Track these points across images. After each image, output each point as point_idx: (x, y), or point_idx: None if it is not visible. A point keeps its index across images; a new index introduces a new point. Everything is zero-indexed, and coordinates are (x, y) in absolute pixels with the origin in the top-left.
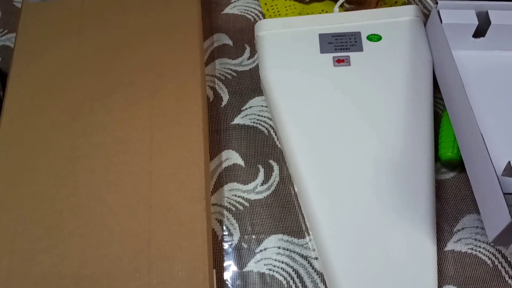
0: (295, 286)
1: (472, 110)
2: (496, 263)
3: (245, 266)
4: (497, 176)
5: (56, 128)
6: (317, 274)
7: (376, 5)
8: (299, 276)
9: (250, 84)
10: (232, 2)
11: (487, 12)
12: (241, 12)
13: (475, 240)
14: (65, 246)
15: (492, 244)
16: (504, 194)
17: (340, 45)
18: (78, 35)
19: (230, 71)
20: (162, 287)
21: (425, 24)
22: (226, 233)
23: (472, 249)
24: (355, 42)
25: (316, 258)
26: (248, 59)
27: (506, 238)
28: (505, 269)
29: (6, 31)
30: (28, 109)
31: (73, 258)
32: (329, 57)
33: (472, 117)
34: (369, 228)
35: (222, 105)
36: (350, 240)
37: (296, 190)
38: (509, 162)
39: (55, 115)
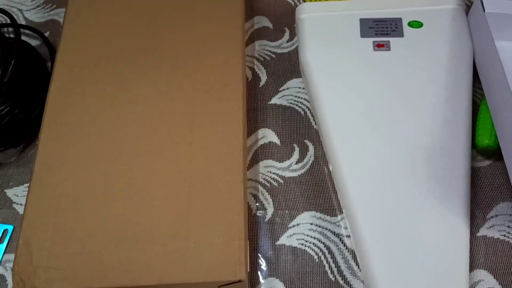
0: (326, 261)
1: (511, 89)
2: None
3: (278, 240)
4: None
5: (102, 98)
6: (348, 252)
7: None
8: (330, 252)
9: (289, 66)
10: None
11: None
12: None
13: (508, 227)
14: (108, 208)
15: None
16: None
17: (381, 30)
18: (125, 11)
19: (269, 53)
20: (199, 252)
21: (467, 14)
22: (260, 207)
23: (504, 235)
24: (396, 27)
25: (348, 236)
26: (287, 41)
27: None
28: None
29: (55, 6)
30: (76, 79)
31: (115, 219)
32: (369, 41)
33: (509, 99)
34: (402, 210)
35: (260, 85)
36: (383, 220)
37: (330, 169)
38: None
39: (102, 85)
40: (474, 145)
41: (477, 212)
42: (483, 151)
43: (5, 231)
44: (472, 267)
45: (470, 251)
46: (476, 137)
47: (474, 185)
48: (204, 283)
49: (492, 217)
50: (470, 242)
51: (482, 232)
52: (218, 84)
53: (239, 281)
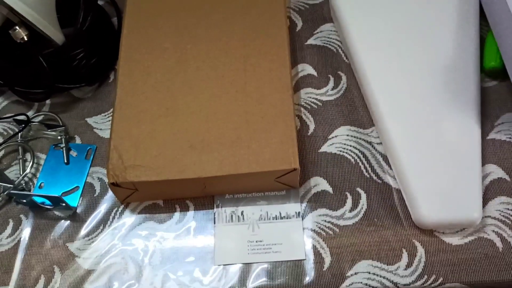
0: (361, 163)
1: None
2: None
3: (320, 148)
4: None
5: (169, 37)
6: (380, 155)
7: None
8: (364, 156)
9: (320, 14)
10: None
11: None
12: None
13: None
14: (180, 122)
15: None
16: None
17: None
18: None
19: (303, 3)
20: (260, 150)
21: None
22: (303, 124)
23: (509, 138)
24: None
25: (379, 144)
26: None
27: None
28: None
29: None
30: (144, 23)
31: (187, 130)
32: None
33: (511, 23)
34: (424, 117)
35: (297, 30)
36: (409, 125)
37: (362, 91)
38: None
39: (168, 28)
40: (482, 68)
41: (486, 121)
42: (490, 73)
43: (89, 150)
44: (484, 162)
45: (481, 150)
46: (484, 61)
47: (483, 100)
48: (265, 172)
49: (499, 124)
50: (482, 144)
51: (491, 136)
52: (265, 24)
53: (294, 169)
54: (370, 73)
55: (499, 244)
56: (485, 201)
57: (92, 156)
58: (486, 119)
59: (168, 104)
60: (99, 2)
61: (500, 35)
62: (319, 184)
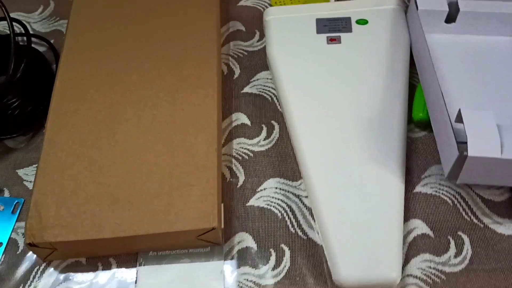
0: (288, 217)
1: (436, 73)
2: (455, 202)
3: (248, 202)
4: (451, 123)
5: (98, 89)
6: (306, 209)
7: None
8: (291, 210)
9: (258, 62)
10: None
11: (457, 1)
12: (254, 4)
13: (439, 184)
14: (104, 177)
15: (447, 179)
16: (458, 142)
17: (333, 27)
18: (118, 21)
19: (242, 51)
20: (180, 207)
21: (406, 12)
22: (233, 176)
23: (436, 191)
24: (346, 25)
25: (306, 197)
26: (258, 41)
27: (455, 172)
28: (462, 207)
29: (58, 18)
30: (77, 75)
31: (110, 186)
32: (323, 37)
33: (435, 80)
34: (348, 172)
35: (234, 78)
36: (333, 181)
37: (292, 142)
38: (459, 109)
39: (98, 79)
40: (411, 119)
41: (413, 174)
42: (418, 124)
43: (17, 203)
44: (408, 217)
45: (406, 205)
46: (412, 112)
47: (411, 152)
48: (184, 231)
49: (426, 176)
50: (406, 198)
51: (418, 189)
52: (196, 74)
53: (213, 228)
54: (298, 123)
55: None
56: (408, 258)
57: (18, 211)
58: (413, 172)
59: (93, 158)
60: (42, 48)
61: (425, 90)
62: (244, 240)
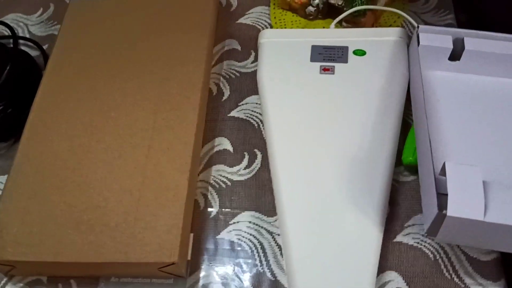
0: (258, 254)
1: (429, 115)
2: (437, 257)
3: (219, 234)
4: (434, 175)
5: (79, 105)
6: (278, 248)
7: (372, 27)
8: (262, 247)
9: (249, 84)
10: (247, 14)
11: (463, 39)
12: (253, 22)
13: (422, 235)
14: (71, 197)
15: (425, 234)
16: (440, 193)
17: (328, 56)
18: (109, 33)
19: (234, 72)
20: (143, 237)
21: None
22: (207, 205)
23: (418, 243)
24: (342, 54)
25: (279, 235)
26: (252, 63)
27: (435, 229)
28: (444, 263)
29: (56, 22)
30: (60, 87)
31: (77, 207)
32: (317, 65)
33: (425, 124)
34: (324, 213)
35: (223, 99)
36: (307, 221)
37: (271, 175)
38: (444, 163)
39: (81, 94)
40: (401, 162)
41: (397, 221)
42: (408, 167)
43: None
44: (384, 269)
45: (384, 254)
46: (402, 155)
47: (397, 196)
48: (144, 263)
49: (409, 225)
50: (386, 247)
51: (398, 238)
52: (178, 96)
53: (173, 263)
54: (278, 155)
55: None
56: None
57: None
58: (397, 219)
59: (63, 177)
60: (35, 53)
61: (416, 132)
62: (209, 275)
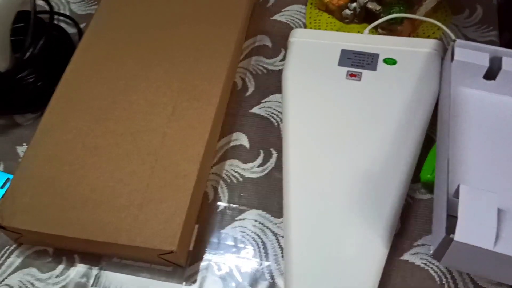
0: (259, 255)
1: (450, 136)
2: (443, 282)
3: (224, 228)
4: (447, 195)
5: (104, 84)
6: (281, 250)
7: (408, 36)
8: (265, 248)
9: (275, 82)
10: (282, 11)
11: (501, 58)
12: (288, 20)
13: (431, 257)
14: (85, 175)
15: (432, 256)
16: (451, 216)
17: (357, 62)
18: (143, 18)
19: (262, 68)
20: (146, 222)
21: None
22: (217, 198)
23: (425, 264)
24: (372, 61)
25: (283, 237)
26: (281, 61)
27: (441, 252)
28: None
29: (95, 2)
30: (88, 65)
31: (87, 185)
32: (344, 70)
33: (446, 142)
34: (331, 220)
35: (246, 95)
36: (312, 229)
37: (283, 175)
38: (459, 185)
39: (107, 72)
40: (419, 178)
41: (406, 238)
42: (425, 185)
43: (7, 179)
44: (386, 286)
45: (388, 272)
46: (421, 171)
47: (410, 213)
48: (143, 248)
49: (418, 245)
50: (391, 264)
51: (405, 257)
52: (200, 88)
53: (171, 251)
54: (292, 156)
55: None
56: None
57: (7, 186)
58: (406, 236)
59: (78, 155)
60: (72, 30)
61: (437, 150)
62: (208, 268)
